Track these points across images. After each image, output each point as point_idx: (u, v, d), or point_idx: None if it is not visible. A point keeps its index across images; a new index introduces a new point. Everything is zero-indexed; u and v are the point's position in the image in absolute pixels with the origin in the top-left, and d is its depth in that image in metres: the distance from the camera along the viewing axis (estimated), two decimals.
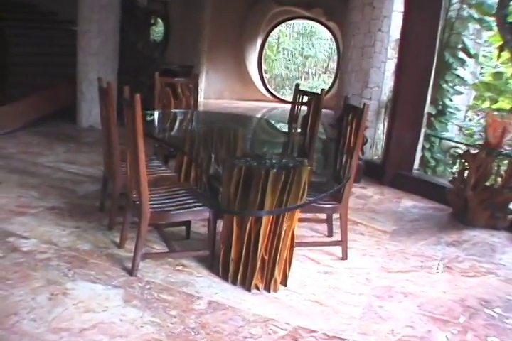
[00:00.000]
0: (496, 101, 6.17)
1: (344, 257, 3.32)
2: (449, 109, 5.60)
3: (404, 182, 4.93)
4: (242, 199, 2.71)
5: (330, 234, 3.69)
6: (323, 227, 3.74)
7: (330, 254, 3.37)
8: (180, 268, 3.02)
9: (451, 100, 5.58)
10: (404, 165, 5.00)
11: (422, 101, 4.94)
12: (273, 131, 4.80)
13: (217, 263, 2.97)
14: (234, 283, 2.89)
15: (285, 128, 4.64)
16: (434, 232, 3.91)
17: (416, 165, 5.10)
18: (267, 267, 2.83)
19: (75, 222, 3.52)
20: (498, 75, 6.19)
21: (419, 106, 4.94)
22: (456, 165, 5.75)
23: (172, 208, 2.85)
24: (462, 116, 6.08)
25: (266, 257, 2.81)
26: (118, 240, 3.23)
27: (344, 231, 3.28)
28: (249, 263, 2.82)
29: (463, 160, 4.20)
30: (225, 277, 2.93)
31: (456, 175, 4.26)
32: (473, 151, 4.15)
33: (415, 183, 4.90)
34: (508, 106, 6.16)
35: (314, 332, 2.52)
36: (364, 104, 3.08)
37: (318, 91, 4.22)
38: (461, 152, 5.78)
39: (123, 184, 3.25)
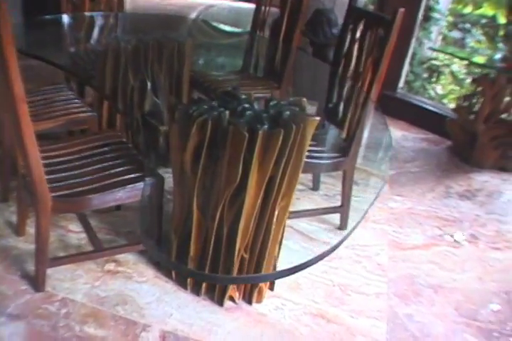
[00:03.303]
0: (480, 7, 5.02)
1: (343, 226, 2.29)
2: (433, 14, 4.40)
3: (387, 105, 3.80)
4: (206, 174, 1.54)
5: (316, 185, 2.61)
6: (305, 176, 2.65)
7: (322, 221, 2.33)
8: (111, 267, 1.87)
9: (437, 2, 4.36)
10: (386, 84, 3.85)
11: (416, 2, 3.69)
12: (229, 39, 3.49)
13: (165, 262, 1.86)
14: (196, 292, 1.81)
15: (238, 31, 3.37)
16: (438, 178, 2.93)
17: (401, 83, 3.98)
18: (248, 270, 1.75)
19: None
20: None
21: (411, 10, 3.69)
22: (433, 79, 4.77)
23: (90, 187, 1.62)
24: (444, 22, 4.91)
25: (246, 255, 1.71)
26: (15, 220, 2.01)
27: (347, 194, 2.20)
28: (219, 265, 1.73)
29: (476, 86, 3.12)
30: (180, 282, 1.84)
31: (462, 102, 3.20)
32: (491, 75, 3.07)
33: (400, 106, 3.80)
34: (491, 13, 5.04)
35: None
36: (396, 12, 1.85)
37: None
38: (438, 64, 4.79)
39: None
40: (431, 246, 2.27)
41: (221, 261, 1.70)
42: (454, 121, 3.22)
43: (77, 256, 1.75)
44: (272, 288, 1.86)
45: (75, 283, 1.77)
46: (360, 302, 1.87)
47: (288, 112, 1.53)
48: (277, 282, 1.88)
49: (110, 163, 1.74)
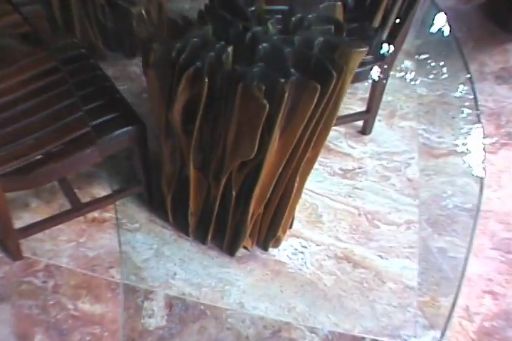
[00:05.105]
0: None
1: (366, 131, 1.86)
2: None
3: None
4: (204, 134, 1.05)
5: None
6: None
7: (339, 124, 1.89)
8: (96, 214, 1.51)
9: None
10: None
11: None
12: None
13: (159, 202, 1.49)
14: (199, 238, 1.48)
15: None
16: (471, 51, 2.35)
17: None
18: (262, 223, 1.40)
19: None
20: None
21: None
22: None
23: (45, 151, 1.12)
24: None
25: (261, 210, 1.34)
26: None
27: (377, 99, 1.72)
28: (227, 222, 1.36)
29: None
30: (179, 226, 1.50)
31: None
32: None
33: None
34: None
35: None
36: None
37: None
38: None
39: None
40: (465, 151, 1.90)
41: (230, 218, 1.34)
42: None
43: (52, 221, 1.35)
44: (290, 226, 1.54)
45: (56, 243, 1.43)
46: (389, 237, 1.59)
47: (321, 39, 0.97)
48: (296, 214, 1.54)
49: (68, 101, 1.21)
